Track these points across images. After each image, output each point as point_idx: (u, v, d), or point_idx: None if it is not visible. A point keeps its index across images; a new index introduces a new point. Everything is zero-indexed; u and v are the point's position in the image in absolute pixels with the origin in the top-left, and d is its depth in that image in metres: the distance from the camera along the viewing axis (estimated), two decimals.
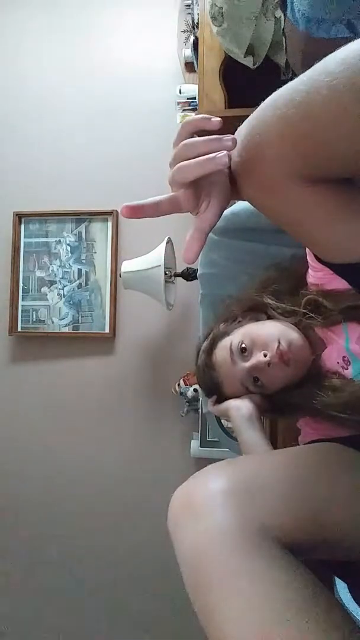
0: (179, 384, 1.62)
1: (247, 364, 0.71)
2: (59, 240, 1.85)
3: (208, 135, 0.41)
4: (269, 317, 0.75)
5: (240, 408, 0.73)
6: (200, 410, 1.58)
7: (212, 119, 0.41)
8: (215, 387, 0.78)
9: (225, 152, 0.39)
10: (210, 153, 0.39)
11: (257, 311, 0.77)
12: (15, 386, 1.85)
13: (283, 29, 1.09)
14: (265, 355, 0.68)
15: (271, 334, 0.70)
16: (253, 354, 0.71)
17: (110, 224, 1.81)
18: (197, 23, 1.42)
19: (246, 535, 0.41)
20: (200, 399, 1.51)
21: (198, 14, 1.40)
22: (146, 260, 1.52)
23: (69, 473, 1.78)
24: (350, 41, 0.34)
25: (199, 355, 0.80)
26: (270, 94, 0.39)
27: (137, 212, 0.41)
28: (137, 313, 1.77)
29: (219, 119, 0.41)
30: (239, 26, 1.11)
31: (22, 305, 1.85)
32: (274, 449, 0.70)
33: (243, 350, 0.71)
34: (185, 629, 1.52)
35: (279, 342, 0.68)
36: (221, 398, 0.78)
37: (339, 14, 0.74)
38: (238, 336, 0.73)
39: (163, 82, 1.81)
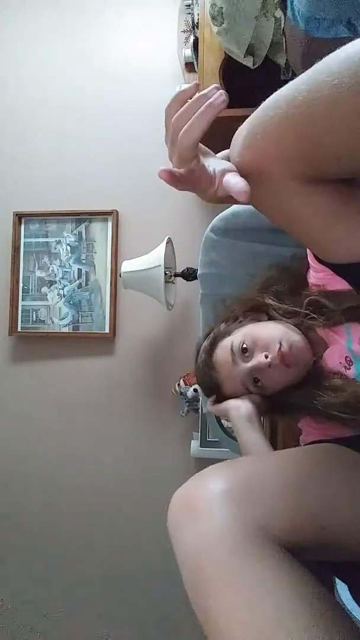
0: (179, 384, 1.62)
1: (248, 365, 0.71)
2: (59, 240, 1.85)
3: None
4: (270, 318, 0.75)
5: (239, 408, 0.73)
6: (200, 410, 1.58)
7: (185, 87, 0.42)
8: (215, 387, 0.78)
9: (219, 92, 0.40)
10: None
11: (258, 311, 0.77)
12: (15, 386, 1.85)
13: (283, 29, 1.09)
14: (266, 357, 0.68)
15: (273, 335, 0.70)
16: (254, 355, 0.71)
17: (110, 224, 1.81)
18: (197, 23, 1.42)
19: (246, 537, 0.41)
20: (200, 399, 1.51)
21: (198, 14, 1.40)
22: (146, 260, 1.51)
23: (68, 473, 1.78)
24: (350, 41, 0.34)
25: (199, 354, 0.80)
26: (270, 94, 0.39)
27: (173, 178, 0.41)
28: (137, 313, 1.77)
29: (193, 82, 0.42)
30: (239, 26, 1.10)
31: (22, 305, 1.85)
32: (273, 449, 0.70)
33: (244, 350, 0.71)
34: (184, 628, 1.52)
35: (281, 344, 0.68)
36: (221, 398, 0.78)
37: (338, 14, 0.74)
38: (239, 336, 0.73)
39: (163, 82, 1.80)
